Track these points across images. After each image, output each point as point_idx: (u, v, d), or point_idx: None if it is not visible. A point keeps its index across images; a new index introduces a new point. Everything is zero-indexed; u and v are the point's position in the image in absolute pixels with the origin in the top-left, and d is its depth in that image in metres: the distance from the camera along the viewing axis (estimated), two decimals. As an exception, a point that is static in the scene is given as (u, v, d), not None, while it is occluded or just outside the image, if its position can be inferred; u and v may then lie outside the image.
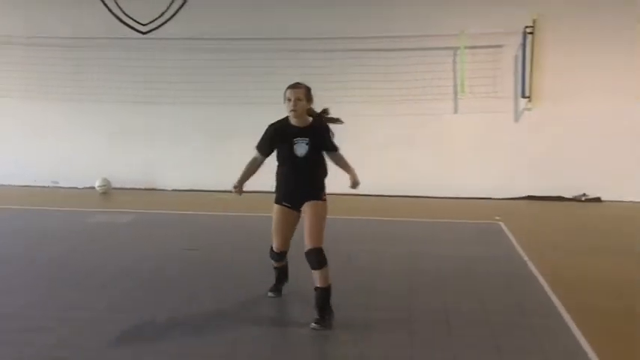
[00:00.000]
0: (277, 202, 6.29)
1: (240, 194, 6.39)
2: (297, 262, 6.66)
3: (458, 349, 5.41)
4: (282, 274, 6.77)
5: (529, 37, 12.84)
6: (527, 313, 6.27)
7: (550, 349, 5.39)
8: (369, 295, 6.83)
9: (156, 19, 10.71)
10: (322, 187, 6.25)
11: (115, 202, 12.78)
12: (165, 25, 10.87)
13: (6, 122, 14.37)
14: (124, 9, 10.64)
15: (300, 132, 6.08)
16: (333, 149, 6.25)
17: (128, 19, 10.63)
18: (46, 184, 14.27)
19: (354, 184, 6.24)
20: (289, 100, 6.00)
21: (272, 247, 6.48)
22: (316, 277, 5.98)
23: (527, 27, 12.81)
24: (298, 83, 6.11)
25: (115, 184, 13.81)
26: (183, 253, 8.52)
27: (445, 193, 13.25)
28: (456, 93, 13.23)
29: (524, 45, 12.89)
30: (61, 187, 14.16)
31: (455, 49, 13.12)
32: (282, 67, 13.12)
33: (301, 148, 6.07)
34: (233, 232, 10.02)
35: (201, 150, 13.92)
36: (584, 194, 13.02)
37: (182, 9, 10.72)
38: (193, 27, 13.24)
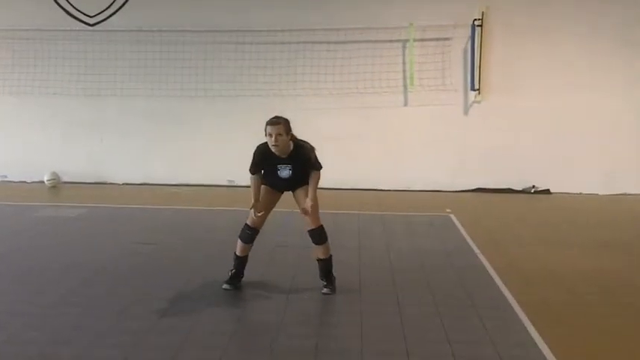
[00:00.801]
0: (263, 183, 6.66)
1: (258, 211, 6.57)
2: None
3: (409, 340, 5.45)
4: (241, 266, 6.81)
5: (477, 29, 12.98)
6: (478, 305, 6.33)
7: (501, 340, 5.46)
8: (317, 284, 6.80)
9: (103, 11, 10.61)
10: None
11: (64, 196, 12.63)
12: (113, 17, 10.77)
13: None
14: (71, 1, 10.50)
15: (283, 160, 6.48)
16: (315, 169, 6.62)
17: (75, 11, 10.50)
18: (-6, 179, 14.06)
19: (305, 208, 6.53)
20: (270, 135, 6.32)
21: (246, 224, 6.70)
22: (318, 251, 6.73)
23: (475, 20, 12.96)
24: (277, 118, 6.43)
25: (65, 178, 13.64)
26: (135, 247, 8.46)
27: (395, 186, 13.36)
28: (405, 86, 13.33)
29: (472, 38, 13.03)
30: (9, 181, 13.94)
31: (404, 41, 13.21)
32: (229, 59, 13.14)
33: (285, 172, 6.53)
34: (187, 226, 9.97)
35: (152, 143, 13.82)
36: (533, 186, 13.24)
37: (129, 1, 10.64)
38: (141, 19, 13.15)
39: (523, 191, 13.25)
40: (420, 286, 6.98)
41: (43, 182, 13.47)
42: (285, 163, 6.49)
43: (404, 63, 13.32)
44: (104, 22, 10.89)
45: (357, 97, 13.25)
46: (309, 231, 6.69)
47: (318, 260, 6.79)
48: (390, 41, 13.24)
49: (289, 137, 6.42)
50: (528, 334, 5.62)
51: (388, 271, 7.53)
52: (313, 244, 6.77)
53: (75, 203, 11.53)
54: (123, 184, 13.89)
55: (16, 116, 13.98)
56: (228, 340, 5.48)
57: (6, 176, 14.08)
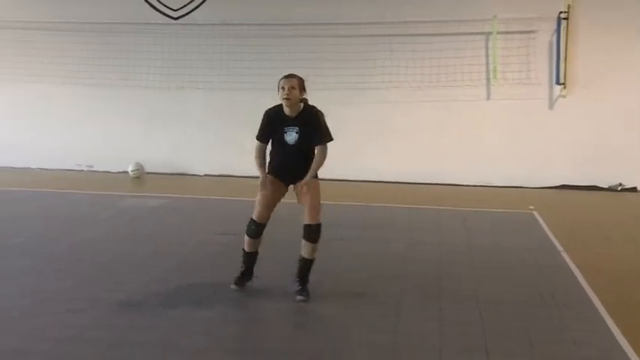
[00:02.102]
0: (269, 172, 6.46)
1: (269, 188, 6.35)
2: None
3: (489, 337, 5.37)
4: (251, 263, 6.58)
5: (563, 22, 12.67)
6: (560, 305, 6.19)
7: (583, 341, 5.33)
8: (400, 281, 6.81)
9: (187, 4, 10.73)
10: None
11: (147, 187, 12.86)
12: (196, 10, 10.89)
13: (44, 108, 14.48)
14: (156, -5, 10.67)
15: (291, 121, 6.28)
16: (319, 143, 6.31)
17: (160, 4, 10.65)
18: (82, 168, 14.40)
19: (304, 182, 6.23)
20: (283, 88, 6.21)
21: (252, 219, 6.48)
22: (306, 249, 6.28)
23: (561, 12, 12.65)
24: (292, 74, 6.37)
25: (148, 169, 13.89)
26: (214, 237, 8.55)
27: (476, 181, 13.15)
28: (488, 79, 13.11)
29: (558, 31, 12.73)
30: (95, 171, 14.27)
31: (487, 34, 12.99)
32: (310, 52, 13.11)
33: (291, 136, 6.29)
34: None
35: (232, 135, 13.92)
36: (620, 184, 12.86)
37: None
38: (224, 12, 13.27)
39: (609, 189, 12.87)
40: (501, 283, 6.87)
41: (127, 172, 13.75)
42: (293, 125, 6.27)
43: (487, 56, 13.10)
44: (187, 16, 11.01)
45: (439, 90, 13.09)
46: (305, 225, 6.29)
47: (301, 259, 6.38)
48: (473, 34, 13.03)
49: (302, 95, 6.32)
50: (612, 335, 5.47)
51: (468, 267, 7.43)
52: (303, 240, 6.33)
53: (157, 193, 11.73)
54: (204, 175, 14.06)
55: (102, 108, 14.28)
56: (303, 332, 5.48)
57: (92, 166, 14.43)
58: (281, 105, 6.33)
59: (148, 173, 13.85)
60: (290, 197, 6.53)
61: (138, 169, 13.73)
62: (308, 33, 13.29)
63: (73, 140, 14.40)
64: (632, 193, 12.70)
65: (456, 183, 13.15)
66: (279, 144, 6.38)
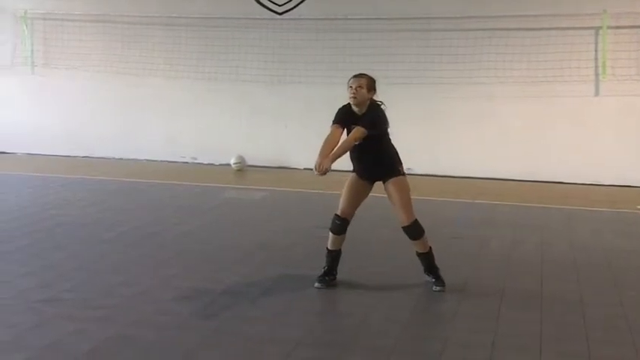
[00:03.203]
0: (353, 170, 6.57)
1: (323, 168, 6.06)
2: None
3: (591, 342, 5.22)
4: (333, 262, 6.59)
5: (676, 17, 12.22)
6: (669, 310, 5.99)
7: (693, 348, 5.13)
8: (501, 281, 6.71)
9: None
10: (393, 163, 6.45)
11: (248, 179, 13.04)
12: (300, 5, 10.98)
13: (151, 101, 14.90)
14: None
15: (358, 118, 6.30)
16: (365, 124, 6.18)
17: (266, 0, 10.79)
18: (187, 160, 14.75)
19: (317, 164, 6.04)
20: (351, 87, 6.29)
21: (335, 214, 6.53)
22: (415, 246, 6.42)
23: (677, 5, 12.19)
24: (362, 73, 6.44)
25: (250, 162, 14.10)
26: (314, 231, 8.60)
27: (583, 180, 12.80)
28: (597, 75, 12.74)
29: (673, 24, 12.27)
30: (199, 163, 14.59)
31: (596, 29, 12.63)
32: (414, 46, 13.06)
33: None
34: (365, 212, 9.99)
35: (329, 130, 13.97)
36: None
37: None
38: (327, 7, 13.32)
39: None
40: (606, 285, 6.66)
41: (229, 165, 13.99)
42: (358, 123, 6.24)
43: (596, 51, 12.73)
44: (292, 11, 11.12)
45: (545, 85, 12.81)
46: (403, 228, 6.34)
47: (418, 255, 6.50)
48: (582, 28, 12.69)
49: (370, 95, 6.34)
50: None
51: (572, 268, 7.24)
52: (409, 240, 6.42)
53: (258, 186, 11.90)
54: (304, 169, 14.17)
55: (207, 102, 14.58)
56: (401, 329, 5.46)
57: (196, 158, 14.75)
58: (350, 104, 6.44)
59: (250, 166, 14.06)
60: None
61: (240, 162, 13.95)
62: (410, 27, 13.22)
63: (177, 133, 14.75)
64: None
65: (563, 181, 12.84)
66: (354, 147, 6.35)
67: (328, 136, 6.39)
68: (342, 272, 6.72)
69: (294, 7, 11.00)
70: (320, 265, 6.80)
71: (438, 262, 6.54)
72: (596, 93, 12.78)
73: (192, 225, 8.94)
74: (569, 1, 12.58)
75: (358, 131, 6.16)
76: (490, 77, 12.82)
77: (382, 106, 6.44)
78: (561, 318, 5.76)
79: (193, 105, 14.66)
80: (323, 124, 13.96)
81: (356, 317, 5.65)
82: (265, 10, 11.00)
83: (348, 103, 6.41)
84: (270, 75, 14.01)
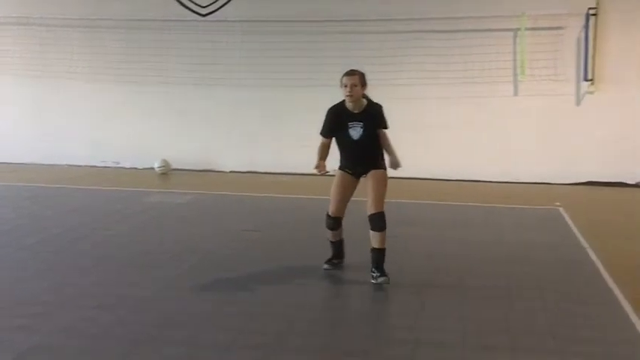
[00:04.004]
0: (340, 168, 6.76)
1: (323, 171, 6.58)
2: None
3: (514, 333, 5.37)
4: (338, 250, 6.97)
5: (592, 18, 12.56)
6: (586, 301, 6.18)
7: (609, 338, 5.30)
8: (425, 278, 6.83)
9: (215, 1, 10.80)
10: (379, 160, 6.67)
11: (173, 183, 12.93)
12: (224, 7, 10.94)
13: (71, 104, 14.65)
14: (183, -8, 10.75)
15: (355, 116, 6.45)
16: (384, 127, 6.60)
17: (188, 1, 10.72)
18: (109, 165, 14.54)
19: (394, 164, 6.52)
20: (345, 86, 6.36)
21: (327, 214, 6.76)
22: (374, 239, 6.51)
23: (590, 8, 12.54)
24: (353, 70, 6.48)
25: (174, 165, 13.98)
26: (240, 234, 8.60)
27: (503, 178, 13.10)
28: (515, 75, 13.05)
29: (586, 27, 12.62)
30: (122, 168, 14.41)
31: (515, 30, 12.92)
32: (341, 49, 13.13)
33: (356, 131, 6.49)
34: (292, 214, 10.05)
35: (258, 131, 13.99)
36: (647, 180, 12.79)
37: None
38: (251, 10, 13.32)
39: (637, 185, 12.78)
40: (527, 279, 6.84)
41: (153, 169, 13.85)
42: (358, 120, 6.46)
43: (515, 52, 13.03)
44: (216, 13, 11.07)
45: (467, 86, 13.05)
46: (369, 216, 6.49)
47: (373, 250, 6.59)
48: (501, 30, 12.97)
49: (363, 90, 6.46)
50: (637, 331, 5.44)
51: (493, 263, 7.43)
52: (371, 231, 6.57)
53: (184, 190, 11.81)
54: (230, 171, 14.14)
55: (129, 104, 14.41)
56: (329, 329, 5.51)
57: (119, 163, 14.56)
58: (343, 101, 6.53)
59: (175, 170, 13.94)
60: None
61: (164, 166, 13.82)
62: (339, 29, 13.30)
63: (99, 137, 14.54)
64: (660, 190, 12.61)
65: (484, 179, 13.11)
66: (345, 139, 6.58)
67: (320, 147, 6.69)
68: (268, 276, 6.76)
69: (218, 8, 10.92)
70: (245, 268, 6.97)
71: (362, 261, 6.63)
72: (515, 93, 13.08)
73: (117, 230, 8.82)
74: (490, 3, 12.84)
75: (386, 133, 6.60)
76: (412, 79, 12.99)
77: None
78: (483, 312, 5.89)
79: (116, 108, 14.47)
80: (249, 126, 14.12)
81: (284, 318, 5.67)
82: (189, 11, 10.89)
83: (340, 102, 6.52)
84: (195, 77, 13.91)
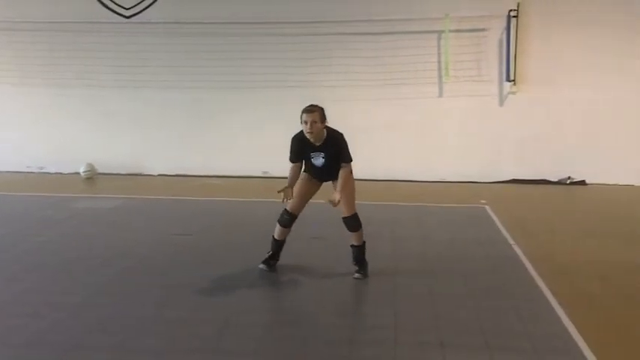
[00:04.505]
0: (304, 171, 6.93)
1: (289, 197, 6.65)
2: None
3: (443, 330, 5.47)
4: (278, 249, 7.07)
5: (513, 20, 12.85)
6: (512, 296, 6.33)
7: (535, 332, 5.44)
8: (352, 276, 6.90)
9: (139, 3, 10.70)
10: None
11: (100, 188, 12.73)
12: (149, 9, 10.85)
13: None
14: (108, -6, 10.63)
15: (317, 147, 6.67)
16: (345, 161, 6.75)
17: (112, 3, 10.59)
18: (33, 170, 14.25)
19: (332, 200, 6.52)
20: (305, 123, 6.51)
21: (284, 209, 6.92)
22: (352, 237, 6.93)
23: (511, 10, 12.82)
24: (313, 106, 6.61)
25: (101, 170, 13.78)
26: (170, 238, 8.54)
27: (430, 177, 13.32)
28: (440, 77, 13.25)
29: (508, 29, 12.90)
30: (46, 173, 14.13)
31: (439, 32, 13.13)
32: (267, 51, 13.17)
33: (318, 160, 6.75)
34: (222, 217, 10.02)
35: (187, 134, 13.91)
36: (569, 177, 13.13)
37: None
38: (177, 11, 13.24)
39: (559, 182, 13.14)
40: (455, 276, 6.98)
41: (79, 174, 13.62)
42: (319, 151, 6.67)
43: (439, 54, 13.24)
44: (140, 15, 10.96)
45: (392, 88, 13.21)
46: (343, 218, 6.83)
47: (352, 246, 6.98)
48: (426, 32, 13.16)
49: (323, 125, 6.58)
50: (562, 324, 5.61)
51: (422, 261, 7.54)
52: (348, 232, 6.92)
53: (111, 194, 11.65)
54: (158, 175, 14.01)
55: (53, 108, 14.15)
56: (262, 331, 5.52)
57: (43, 168, 14.28)
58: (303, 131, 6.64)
59: (101, 174, 13.75)
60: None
61: (90, 170, 13.62)
62: (262, 31, 13.31)
63: (22, 141, 14.24)
64: (581, 187, 12.96)
65: (411, 179, 13.30)
66: (309, 163, 6.83)
67: (290, 172, 6.77)
68: (200, 280, 6.75)
69: (142, 10, 10.81)
70: (177, 272, 6.97)
71: (299, 261, 6.69)
72: (440, 94, 13.30)
73: (45, 237, 8.65)
74: (413, 5, 13.00)
75: (347, 168, 6.73)
76: (339, 80, 13.10)
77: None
78: (413, 309, 5.98)
79: (41, 112, 14.19)
80: (177, 129, 14.02)
81: (218, 322, 5.66)
82: (113, 13, 10.76)
83: (301, 132, 6.60)
84: (121, 79, 13.73)
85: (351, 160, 6.76)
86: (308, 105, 6.60)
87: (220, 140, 13.77)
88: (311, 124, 6.46)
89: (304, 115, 6.51)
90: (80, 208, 10.51)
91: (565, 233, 9.02)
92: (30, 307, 6.01)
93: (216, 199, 11.34)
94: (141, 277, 6.94)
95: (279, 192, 6.58)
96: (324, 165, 6.72)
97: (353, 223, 6.85)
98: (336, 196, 6.49)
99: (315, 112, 6.51)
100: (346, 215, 6.81)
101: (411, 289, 6.58)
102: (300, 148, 6.72)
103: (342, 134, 6.74)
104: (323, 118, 6.56)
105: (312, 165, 6.78)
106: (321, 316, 5.87)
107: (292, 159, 6.81)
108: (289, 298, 6.45)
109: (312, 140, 6.59)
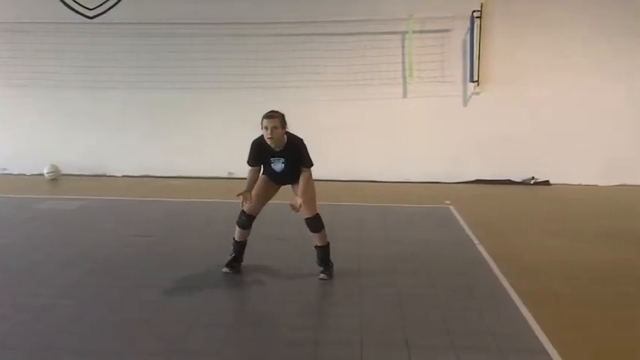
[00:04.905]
0: (263, 174, 6.89)
1: (248, 200, 6.63)
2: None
3: (409, 330, 5.47)
4: (240, 251, 7.03)
5: (477, 21, 12.95)
6: (477, 296, 6.36)
7: (500, 331, 5.48)
8: (317, 278, 6.88)
9: (102, 3, 10.61)
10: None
11: (64, 189, 12.63)
12: (112, 10, 10.77)
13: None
14: (70, -7, 10.51)
15: (277, 153, 6.65)
16: (306, 166, 6.71)
17: (75, 4, 10.49)
18: (-6, 172, 14.11)
19: (293, 205, 6.51)
20: (266, 128, 6.49)
21: (242, 210, 6.85)
22: (315, 238, 6.92)
23: (474, 11, 12.93)
24: (273, 112, 6.58)
25: (65, 171, 13.65)
26: (134, 239, 8.47)
27: (394, 178, 13.38)
28: (404, 77, 13.31)
29: (472, 29, 13.01)
30: (9, 174, 13.98)
31: (403, 33, 13.19)
32: (229, 51, 13.16)
33: (278, 166, 6.72)
34: (185, 218, 9.97)
35: (151, 135, 13.84)
36: (532, 178, 13.26)
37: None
38: (140, 12, 13.17)
39: (523, 182, 13.26)
40: (420, 277, 7.00)
41: (42, 175, 13.48)
42: (279, 156, 6.66)
43: (403, 55, 13.30)
44: (104, 15, 10.87)
45: (356, 88, 13.25)
46: (305, 219, 6.84)
47: (316, 247, 6.98)
48: (390, 33, 13.22)
49: (284, 131, 6.58)
50: (527, 324, 5.64)
51: (388, 262, 7.55)
52: (310, 233, 6.93)
53: (74, 195, 11.54)
54: (122, 176, 13.91)
55: (16, 109, 14.00)
56: (226, 332, 5.50)
57: (6, 169, 14.12)
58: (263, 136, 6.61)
59: (65, 175, 13.62)
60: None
61: (54, 171, 13.49)
62: (226, 32, 13.28)
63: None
64: (545, 187, 13.11)
65: (375, 180, 13.34)
66: (269, 170, 6.80)
67: (248, 175, 6.76)
68: (163, 281, 6.71)
69: (105, 11, 10.71)
70: (138, 273, 6.96)
71: (262, 261, 6.67)
72: (405, 95, 13.36)
73: (10, 238, 8.54)
74: (377, 5, 13.07)
75: (308, 172, 6.69)
76: (302, 81, 13.10)
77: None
78: (378, 310, 5.99)
79: (2, 112, 14.00)
80: (140, 130, 13.93)
81: (181, 324, 5.62)
82: (76, 14, 10.64)
83: (261, 136, 6.58)
84: (85, 80, 13.64)
85: (312, 165, 6.75)
86: (269, 111, 6.58)
87: (185, 141, 13.71)
88: (272, 130, 6.45)
89: (265, 120, 6.50)
90: (43, 209, 10.39)
91: (530, 233, 9.10)
92: (-9, 309, 5.93)
93: (180, 200, 11.28)
94: (104, 279, 6.87)
95: (237, 195, 6.57)
96: (283, 170, 6.71)
97: (315, 224, 6.85)
98: (298, 201, 6.50)
99: (275, 117, 6.50)
100: (308, 216, 6.81)
101: (377, 289, 6.58)
102: (260, 153, 6.70)
103: (302, 140, 6.75)
104: (283, 123, 6.56)
105: (272, 170, 6.76)
106: (285, 316, 5.86)
107: (251, 163, 6.78)
108: (253, 299, 6.43)
109: (272, 146, 6.58)
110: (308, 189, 6.68)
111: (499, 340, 5.29)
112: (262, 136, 6.58)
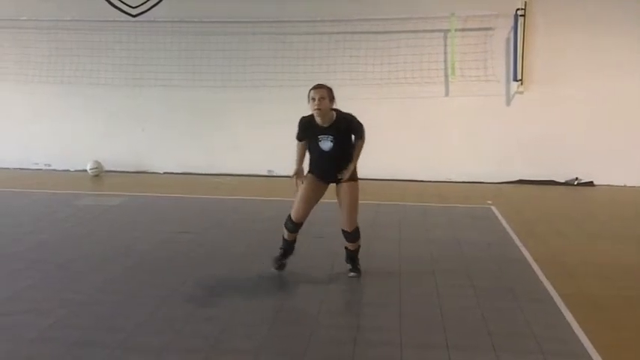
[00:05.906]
0: (310, 172, 6.70)
1: (300, 180, 6.63)
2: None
3: (449, 332, 5.42)
4: (289, 248, 6.91)
5: (520, 19, 12.83)
6: (519, 297, 6.27)
7: (541, 333, 5.39)
8: (362, 277, 6.85)
9: (145, 1, 10.69)
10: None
11: (106, 185, 12.78)
12: (155, 8, 10.85)
13: (1, 106, 14.32)
14: (114, -8, 10.61)
15: (325, 130, 6.45)
16: (359, 136, 6.59)
17: (118, 2, 10.58)
18: (40, 167, 14.27)
19: (342, 173, 6.49)
20: (313, 99, 6.32)
21: (289, 216, 6.73)
22: (348, 244, 6.85)
23: (518, 9, 12.83)
24: (321, 84, 6.43)
25: (107, 167, 13.80)
26: (174, 236, 8.51)
27: (436, 177, 13.29)
28: (446, 76, 13.24)
29: (515, 28, 12.90)
30: (53, 170, 14.16)
31: (445, 31, 13.12)
32: (271, 49, 13.18)
33: (326, 144, 6.49)
34: (226, 215, 10.00)
35: (192, 133, 13.92)
36: (576, 178, 13.08)
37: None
38: (183, 10, 13.28)
39: (566, 183, 13.09)
40: (461, 277, 6.93)
41: (85, 171, 13.63)
42: (327, 134, 6.45)
43: (445, 53, 13.21)
44: (147, 13, 10.96)
45: (398, 87, 13.21)
46: (343, 231, 6.75)
47: (346, 248, 6.93)
48: (432, 31, 13.16)
49: (332, 104, 6.44)
50: (570, 327, 5.54)
51: (428, 262, 7.49)
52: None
53: (116, 192, 11.67)
54: (163, 173, 14.01)
55: (60, 106, 14.19)
56: (267, 330, 5.49)
57: (50, 165, 14.30)
58: (312, 115, 6.47)
59: (107, 172, 13.76)
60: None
61: (97, 168, 13.64)
62: (267, 30, 13.31)
63: (30, 139, 14.26)
64: (588, 188, 12.93)
65: (417, 179, 13.27)
66: (316, 149, 6.56)
67: (297, 149, 6.66)
68: (203, 279, 6.73)
69: (149, 9, 10.80)
70: (180, 270, 6.97)
71: (303, 260, 6.69)
72: (447, 93, 13.27)
73: (49, 234, 8.64)
74: (419, 4, 13.00)
75: (361, 141, 6.59)
76: (345, 80, 13.05)
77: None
78: (419, 311, 5.94)
79: (47, 110, 14.23)
80: (182, 127, 14.04)
81: (221, 320, 5.63)
82: (119, 12, 10.74)
83: (309, 115, 6.46)
84: (127, 78, 13.79)
85: (365, 137, 6.60)
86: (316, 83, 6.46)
87: (225, 139, 13.77)
88: (319, 101, 6.29)
89: (312, 91, 6.34)
90: (85, 205, 10.51)
91: (573, 235, 8.98)
92: (33, 303, 5.98)
93: (220, 198, 11.32)
94: (143, 275, 6.91)
95: (291, 177, 6.55)
96: (332, 149, 6.47)
97: (352, 237, 6.79)
98: (350, 167, 6.49)
99: (323, 88, 6.37)
100: (348, 230, 6.72)
101: (417, 289, 6.54)
102: (307, 130, 6.53)
103: (352, 115, 6.60)
104: (332, 96, 6.41)
105: (320, 152, 6.52)
106: (324, 315, 5.83)
107: (299, 137, 6.61)
108: (292, 298, 6.42)
109: (319, 120, 6.41)
110: (358, 155, 6.58)
111: (541, 343, 5.21)
112: (308, 115, 6.48)
